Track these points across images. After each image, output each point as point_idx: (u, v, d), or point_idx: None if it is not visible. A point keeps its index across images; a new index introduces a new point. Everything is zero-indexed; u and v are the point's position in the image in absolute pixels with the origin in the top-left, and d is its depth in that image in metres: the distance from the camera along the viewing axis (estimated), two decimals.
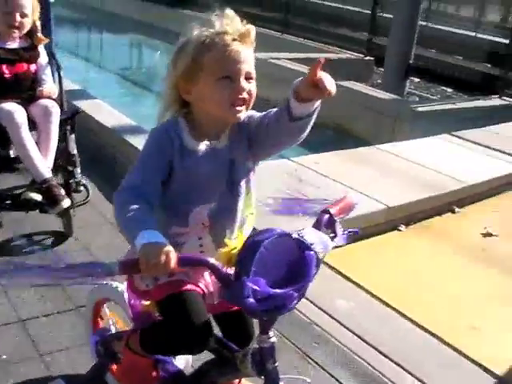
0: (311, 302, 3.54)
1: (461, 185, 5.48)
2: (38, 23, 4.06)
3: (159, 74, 13.13)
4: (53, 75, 4.22)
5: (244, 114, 1.93)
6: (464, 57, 15.09)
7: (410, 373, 3.11)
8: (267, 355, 1.88)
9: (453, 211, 5.31)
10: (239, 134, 1.99)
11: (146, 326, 2.19)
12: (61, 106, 4.10)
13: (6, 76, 3.90)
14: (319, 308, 3.55)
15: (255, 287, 1.63)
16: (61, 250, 3.93)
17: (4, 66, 3.89)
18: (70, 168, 4.15)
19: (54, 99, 4.04)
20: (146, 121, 7.76)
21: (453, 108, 9.02)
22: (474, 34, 18.12)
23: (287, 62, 10.37)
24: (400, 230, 4.74)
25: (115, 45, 15.94)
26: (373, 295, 3.75)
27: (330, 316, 3.51)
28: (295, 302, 1.72)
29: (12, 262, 1.73)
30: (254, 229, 2.06)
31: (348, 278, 3.92)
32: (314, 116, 1.83)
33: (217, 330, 2.18)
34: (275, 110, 1.89)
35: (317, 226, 1.89)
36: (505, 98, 9.93)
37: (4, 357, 2.95)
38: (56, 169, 4.07)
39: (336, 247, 1.88)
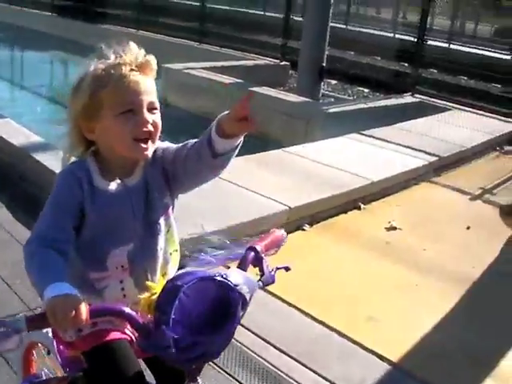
0: None
1: (366, 182, 5.65)
2: None
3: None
4: None
5: (152, 149, 1.82)
6: (381, 57, 15.53)
7: (307, 367, 3.21)
8: None
9: (358, 208, 5.47)
10: (154, 168, 1.87)
11: (75, 373, 2.07)
12: None
13: None
14: None
15: (176, 336, 1.52)
16: None
17: None
18: None
19: None
20: (60, 138, 7.79)
21: (364, 107, 9.26)
22: (391, 34, 18.71)
23: (202, 71, 10.43)
24: (304, 230, 4.86)
25: (33, 62, 15.71)
26: (270, 292, 3.76)
27: None
28: (221, 347, 1.63)
29: None
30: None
31: None
32: (237, 150, 1.77)
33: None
34: (193, 143, 1.81)
35: (242, 264, 1.76)
36: (417, 95, 10.25)
37: None
38: None
39: (264, 286, 1.79)
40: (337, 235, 4.90)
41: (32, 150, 5.55)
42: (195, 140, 1.81)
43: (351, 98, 11.99)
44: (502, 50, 16.28)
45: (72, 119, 1.83)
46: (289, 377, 3.13)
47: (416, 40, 10.93)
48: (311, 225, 4.98)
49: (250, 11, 18.70)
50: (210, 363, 3.12)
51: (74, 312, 1.48)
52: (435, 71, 13.75)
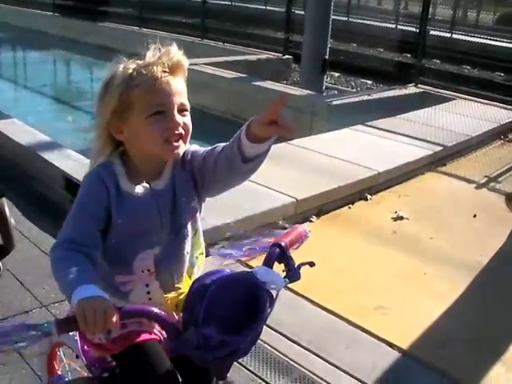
0: None
1: (372, 173, 5.67)
2: None
3: (80, 89, 13.10)
4: None
5: (183, 149, 1.79)
6: (384, 48, 15.51)
7: (317, 355, 3.25)
8: None
9: (365, 199, 5.50)
10: (182, 172, 1.84)
11: (102, 374, 2.05)
12: None
13: None
14: None
15: (204, 336, 1.51)
16: None
17: None
18: None
19: None
20: (64, 135, 7.84)
21: (368, 99, 9.25)
22: (393, 25, 18.67)
23: (205, 66, 10.47)
24: (312, 221, 4.89)
25: (36, 62, 15.77)
26: None
27: None
28: (250, 345, 1.61)
29: None
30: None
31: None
32: (267, 154, 1.72)
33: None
34: (222, 147, 1.77)
35: (268, 261, 1.73)
36: (420, 85, 10.23)
37: None
38: None
39: (291, 282, 1.75)
40: (344, 226, 4.92)
41: (39, 149, 5.61)
42: (224, 144, 1.77)
43: (354, 89, 11.99)
44: (505, 39, 16.21)
45: (101, 118, 1.80)
46: (299, 365, 3.16)
47: (418, 30, 10.90)
48: (318, 216, 5.01)
49: (252, 6, 18.65)
50: None
51: (103, 314, 1.45)
52: (438, 61, 13.73)
